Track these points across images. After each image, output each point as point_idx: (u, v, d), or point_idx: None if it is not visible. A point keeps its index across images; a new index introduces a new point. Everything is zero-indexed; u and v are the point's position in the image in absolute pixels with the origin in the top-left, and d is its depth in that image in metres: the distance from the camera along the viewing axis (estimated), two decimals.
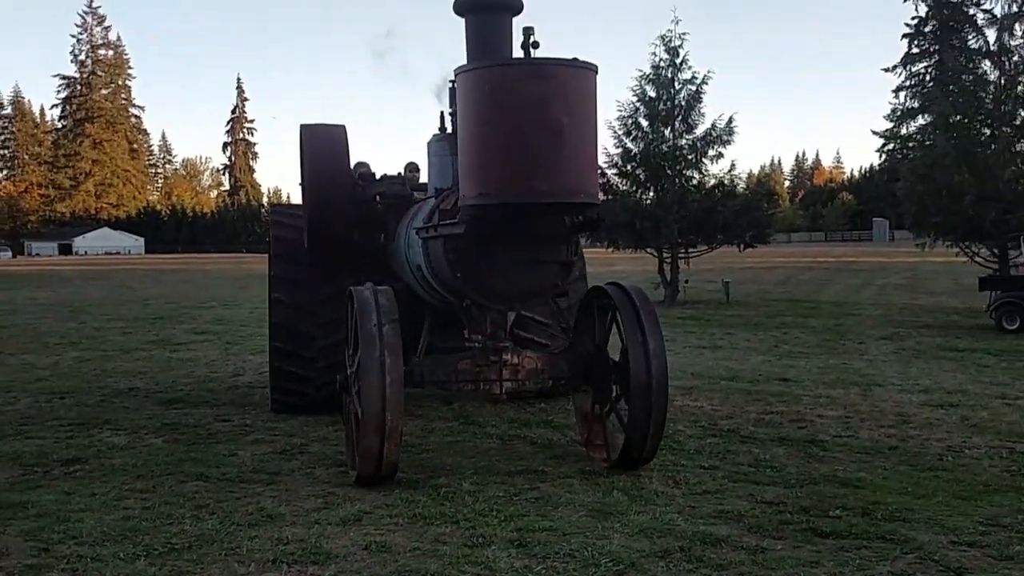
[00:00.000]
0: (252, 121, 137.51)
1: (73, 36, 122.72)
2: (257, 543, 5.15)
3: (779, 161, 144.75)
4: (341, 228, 8.39)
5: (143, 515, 5.70)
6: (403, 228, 7.73)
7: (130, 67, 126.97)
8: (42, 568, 4.82)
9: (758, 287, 29.92)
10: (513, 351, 6.68)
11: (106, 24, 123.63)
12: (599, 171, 6.96)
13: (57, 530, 5.41)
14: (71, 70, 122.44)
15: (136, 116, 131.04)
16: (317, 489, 6.29)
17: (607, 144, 24.60)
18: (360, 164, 8.96)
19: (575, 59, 6.21)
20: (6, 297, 27.37)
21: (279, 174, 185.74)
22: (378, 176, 8.89)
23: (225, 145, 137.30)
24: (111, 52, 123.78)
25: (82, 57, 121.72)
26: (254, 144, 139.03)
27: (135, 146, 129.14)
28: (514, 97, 5.80)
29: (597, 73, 6.15)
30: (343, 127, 8.53)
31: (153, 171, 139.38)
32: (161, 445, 7.75)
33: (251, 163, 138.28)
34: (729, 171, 24.71)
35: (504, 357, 6.59)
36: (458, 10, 6.82)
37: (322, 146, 8.33)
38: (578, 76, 5.99)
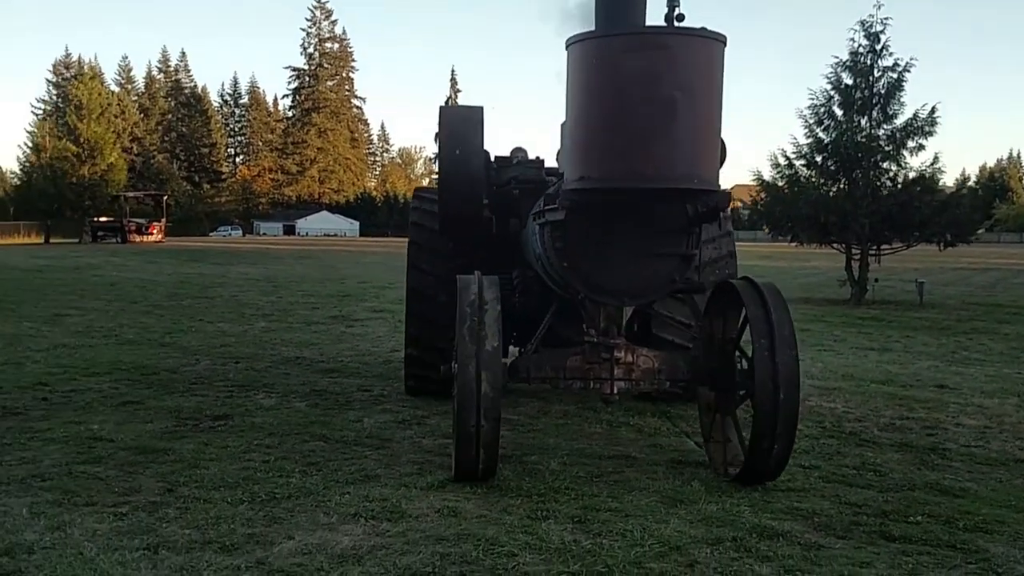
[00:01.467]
0: None
1: (303, 30, 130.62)
2: (347, 499, 5.65)
3: (1019, 154, 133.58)
4: (474, 213, 7.91)
5: (260, 467, 6.36)
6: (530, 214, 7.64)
7: (353, 60, 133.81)
8: (161, 505, 5.52)
9: (963, 289, 28.08)
10: (627, 348, 6.26)
11: (333, 18, 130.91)
12: (720, 153, 5.71)
13: (185, 475, 6.15)
14: (300, 62, 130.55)
15: (357, 107, 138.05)
16: (417, 456, 6.75)
17: (797, 134, 23.89)
18: (517, 149, 8.81)
19: (702, 28, 5.61)
20: (222, 272, 29.97)
21: None
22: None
23: (436, 135, 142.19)
24: (337, 45, 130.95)
25: (310, 50, 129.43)
26: None
27: (355, 135, 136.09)
28: (620, 70, 5.23)
29: (725, 44, 5.49)
30: (480, 108, 7.99)
31: (372, 159, 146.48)
32: (302, 408, 8.49)
33: None
34: (932, 164, 23.34)
35: (616, 355, 6.19)
36: None
37: (456, 128, 7.83)
38: (696, 47, 5.33)
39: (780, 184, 24.16)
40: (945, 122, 23.45)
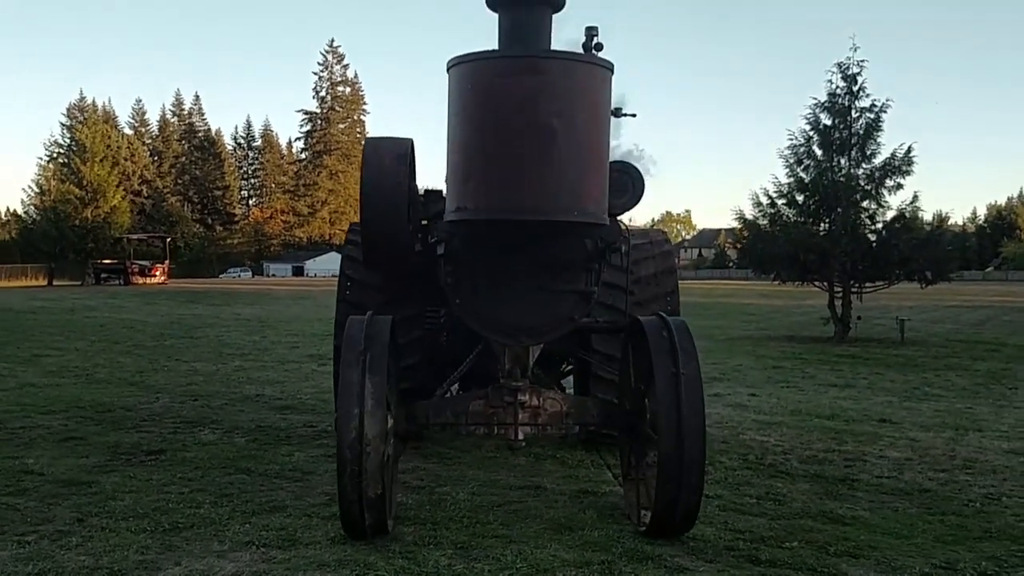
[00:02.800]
0: None
1: (315, 74, 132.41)
2: (246, 528, 5.86)
3: None
4: (397, 247, 7.08)
5: (175, 499, 6.58)
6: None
7: (364, 103, 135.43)
8: (66, 534, 5.74)
9: (949, 327, 28.10)
10: (533, 391, 5.97)
11: (345, 62, 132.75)
12: (602, 185, 5.50)
13: (99, 506, 6.38)
14: (312, 106, 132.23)
15: None
16: (332, 488, 6.82)
17: (778, 173, 24.19)
18: None
19: (590, 52, 5.53)
20: (215, 312, 30.34)
21: None
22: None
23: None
24: (348, 89, 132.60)
25: (323, 93, 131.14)
26: None
27: None
28: (497, 95, 5.02)
29: (611, 71, 5.37)
30: (408, 141, 7.39)
31: None
32: (241, 443, 8.72)
33: None
34: (911, 202, 23.57)
35: (521, 398, 5.88)
36: (491, 4, 5.78)
37: (379, 161, 7.16)
38: (578, 73, 5.14)
39: (762, 223, 24.40)
40: (957, 160, 23.67)
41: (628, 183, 6.58)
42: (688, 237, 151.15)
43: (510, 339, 5.89)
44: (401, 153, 7.12)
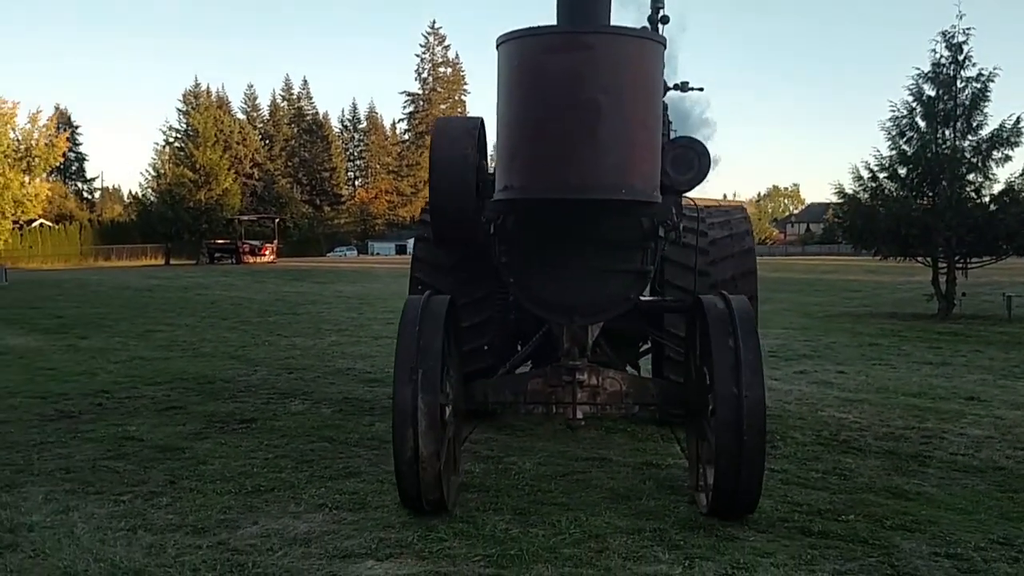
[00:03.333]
0: None
1: (417, 56, 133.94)
2: (322, 492, 6.23)
3: None
4: (466, 226, 7.08)
5: (260, 464, 7.02)
6: None
7: (465, 83, 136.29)
8: (158, 494, 6.21)
9: None
10: (592, 370, 5.93)
11: (446, 43, 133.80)
12: (653, 162, 5.40)
13: (191, 470, 6.86)
14: (415, 87, 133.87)
15: None
16: None
17: (880, 146, 23.52)
18: None
19: (655, 24, 5.66)
20: (319, 290, 31.31)
21: None
22: None
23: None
24: (450, 70, 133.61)
25: (424, 75, 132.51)
26: None
27: None
28: (542, 72, 4.99)
29: (664, 46, 5.34)
30: (478, 119, 7.42)
31: None
32: (327, 414, 9.15)
33: None
34: (1021, 175, 22.60)
35: (579, 377, 5.86)
36: None
37: (446, 142, 7.21)
38: (626, 47, 5.08)
39: (863, 197, 23.78)
40: None
41: (693, 159, 6.42)
42: (796, 212, 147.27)
43: (564, 318, 5.89)
44: (470, 130, 7.21)
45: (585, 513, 5.71)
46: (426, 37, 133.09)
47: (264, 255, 57.88)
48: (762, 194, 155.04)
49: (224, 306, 24.09)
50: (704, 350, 5.68)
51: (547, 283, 5.82)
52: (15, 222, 63.92)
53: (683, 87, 6.91)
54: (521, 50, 5.12)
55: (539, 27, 5.18)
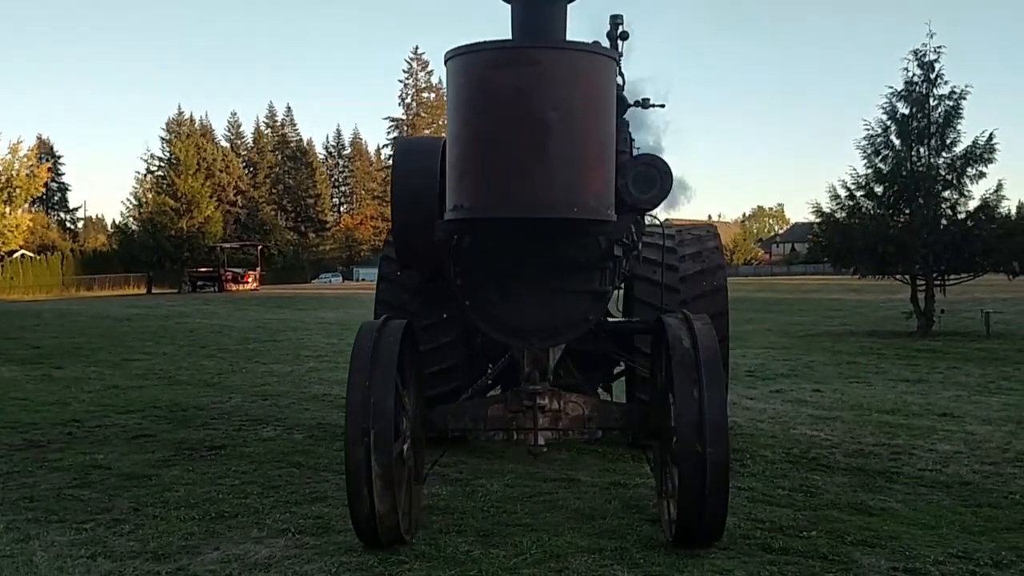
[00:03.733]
0: None
1: (400, 81, 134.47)
2: (286, 516, 6.21)
3: None
4: (431, 251, 6.65)
5: (226, 490, 6.98)
6: None
7: None
8: (121, 522, 6.17)
9: None
10: (553, 394, 5.72)
11: (429, 69, 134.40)
12: (606, 180, 5.28)
13: (156, 496, 6.82)
14: (398, 112, 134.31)
15: None
16: None
17: (856, 164, 23.74)
18: None
19: (615, 41, 5.60)
20: (301, 317, 31.22)
21: None
22: None
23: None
24: (433, 95, 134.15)
25: (408, 100, 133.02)
26: None
27: None
28: (490, 89, 4.86)
29: (616, 61, 5.34)
30: (440, 140, 6.92)
31: None
32: (298, 439, 9.12)
33: None
34: (995, 191, 22.85)
35: (540, 402, 5.63)
36: None
37: (407, 162, 7.04)
38: (576, 62, 4.96)
39: (839, 216, 23.96)
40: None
41: (655, 177, 6.29)
42: (781, 232, 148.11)
43: (521, 341, 5.74)
44: (433, 150, 6.91)
45: (548, 534, 5.70)
46: (409, 63, 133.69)
47: (247, 283, 57.79)
48: (747, 214, 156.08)
49: (204, 334, 23.99)
50: (668, 387, 5.42)
51: (502, 305, 5.70)
52: None
53: (644, 104, 6.91)
54: (468, 66, 5.01)
55: (486, 42, 5.05)
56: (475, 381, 7.31)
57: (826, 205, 24.11)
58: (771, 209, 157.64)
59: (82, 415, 10.72)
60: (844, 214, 23.89)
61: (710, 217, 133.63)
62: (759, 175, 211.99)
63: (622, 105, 6.79)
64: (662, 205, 6.23)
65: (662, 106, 6.90)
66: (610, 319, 7.40)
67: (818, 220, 24.64)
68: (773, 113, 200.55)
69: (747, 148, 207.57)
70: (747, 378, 13.97)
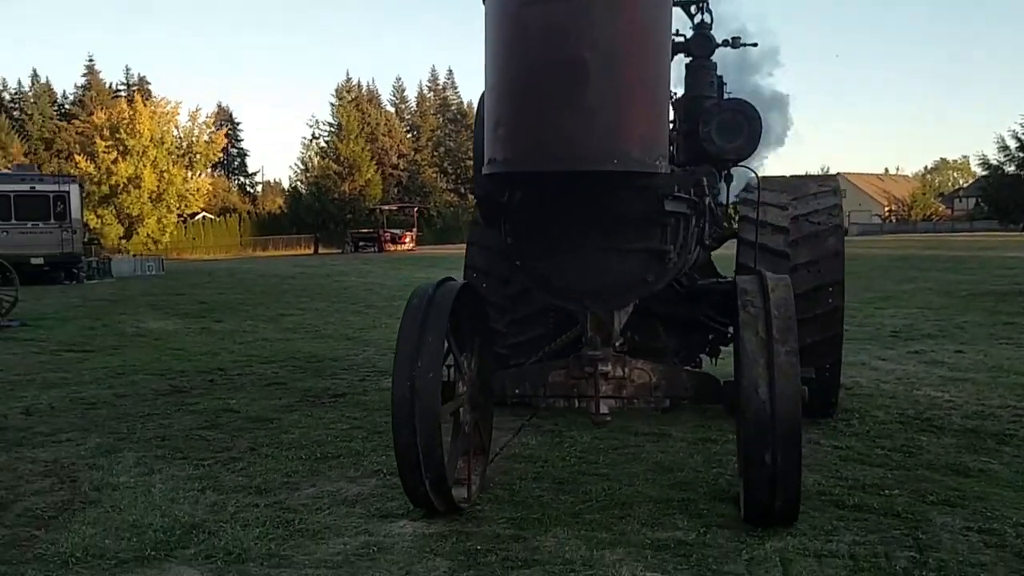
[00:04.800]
0: None
1: None
2: (383, 459, 6.57)
3: None
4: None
5: (335, 434, 7.45)
6: None
7: None
8: (237, 460, 6.71)
9: None
10: (617, 361, 5.30)
11: None
12: (656, 127, 4.58)
13: (273, 438, 7.36)
14: None
15: None
16: None
17: None
18: None
19: None
20: (450, 273, 31.99)
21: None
22: None
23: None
24: None
25: None
26: None
27: None
28: (522, 27, 4.36)
29: None
30: None
31: None
32: None
33: None
34: None
35: (602, 368, 5.23)
36: None
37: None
38: None
39: (1008, 168, 22.53)
40: None
41: (742, 124, 6.05)
42: (965, 185, 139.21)
43: (574, 304, 5.39)
44: None
45: (621, 483, 5.84)
46: None
47: (404, 243, 59.59)
48: (928, 167, 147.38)
49: (356, 292, 25.06)
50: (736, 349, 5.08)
51: (551, 266, 5.26)
52: (179, 215, 68.31)
53: (734, 43, 6.76)
54: (501, 2, 4.52)
55: None
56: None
57: (993, 157, 22.73)
58: (955, 162, 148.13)
59: (228, 364, 11.56)
60: (1013, 167, 22.44)
61: (887, 170, 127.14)
62: (941, 126, 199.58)
63: (708, 45, 6.68)
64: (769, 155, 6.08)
65: (755, 44, 6.73)
66: (700, 281, 7.07)
67: (984, 173, 23.25)
68: (959, 59, 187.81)
69: (926, 95, 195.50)
70: (889, 338, 13.47)
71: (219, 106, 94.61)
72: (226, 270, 37.57)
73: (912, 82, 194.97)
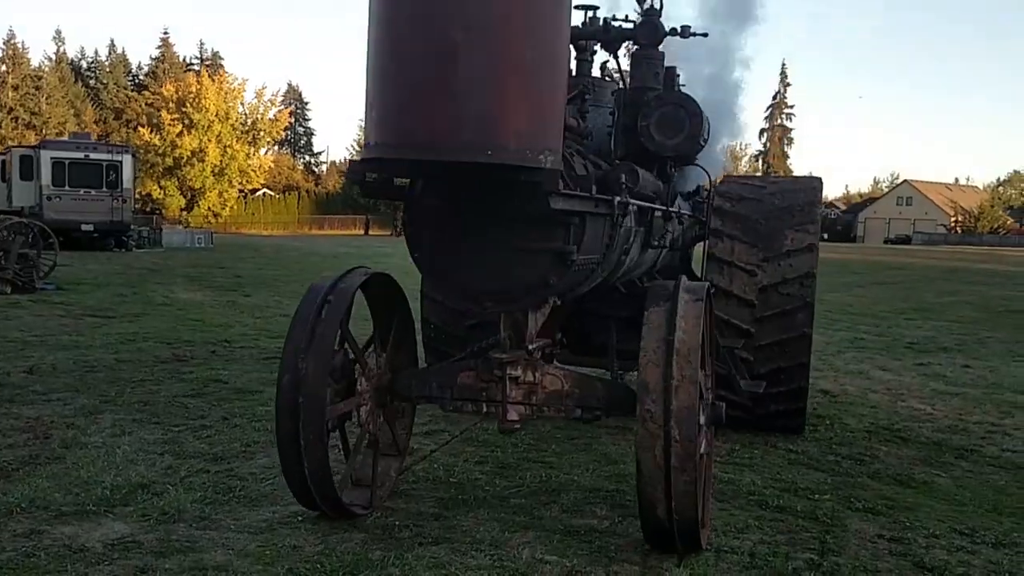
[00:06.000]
0: (792, 107, 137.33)
1: None
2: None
3: None
4: None
5: None
6: None
7: None
8: (207, 427, 7.00)
9: None
10: (527, 365, 4.93)
11: None
12: (542, 118, 4.04)
13: (248, 410, 7.63)
14: None
15: None
16: None
17: None
18: None
19: None
20: None
21: (814, 163, 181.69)
22: None
23: (762, 131, 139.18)
24: None
25: None
26: (790, 130, 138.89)
27: None
28: (395, 7, 4.04)
29: None
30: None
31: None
32: None
33: (785, 149, 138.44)
34: None
35: (511, 372, 4.87)
36: None
37: None
38: None
39: None
40: None
41: (683, 119, 5.87)
42: None
43: (474, 304, 5.00)
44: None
45: (559, 471, 6.00)
46: None
47: None
48: (1000, 179, 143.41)
49: (394, 274, 25.36)
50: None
51: (450, 263, 4.79)
52: (240, 190, 69.65)
53: (683, 33, 6.44)
54: None
55: None
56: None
57: None
58: None
59: (236, 337, 11.92)
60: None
61: (956, 180, 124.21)
62: (1018, 138, 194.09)
63: (656, 33, 6.37)
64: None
65: (705, 35, 6.62)
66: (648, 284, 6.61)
67: None
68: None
69: (1002, 104, 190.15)
70: (902, 350, 13.35)
71: (289, 85, 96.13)
72: (273, 246, 38.35)
73: (988, 91, 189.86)
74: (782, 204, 7.24)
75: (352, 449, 5.32)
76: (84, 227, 28.17)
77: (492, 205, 4.57)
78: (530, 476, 5.86)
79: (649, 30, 6.42)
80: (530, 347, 4.93)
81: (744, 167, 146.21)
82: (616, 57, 6.65)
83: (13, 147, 33.04)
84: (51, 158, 28.46)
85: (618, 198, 4.67)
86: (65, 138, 38.18)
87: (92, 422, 7.02)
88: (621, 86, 6.59)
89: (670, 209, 6.11)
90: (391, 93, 4.03)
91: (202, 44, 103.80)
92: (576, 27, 6.26)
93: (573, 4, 4.34)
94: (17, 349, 10.27)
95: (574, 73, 6.25)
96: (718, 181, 7.81)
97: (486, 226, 4.63)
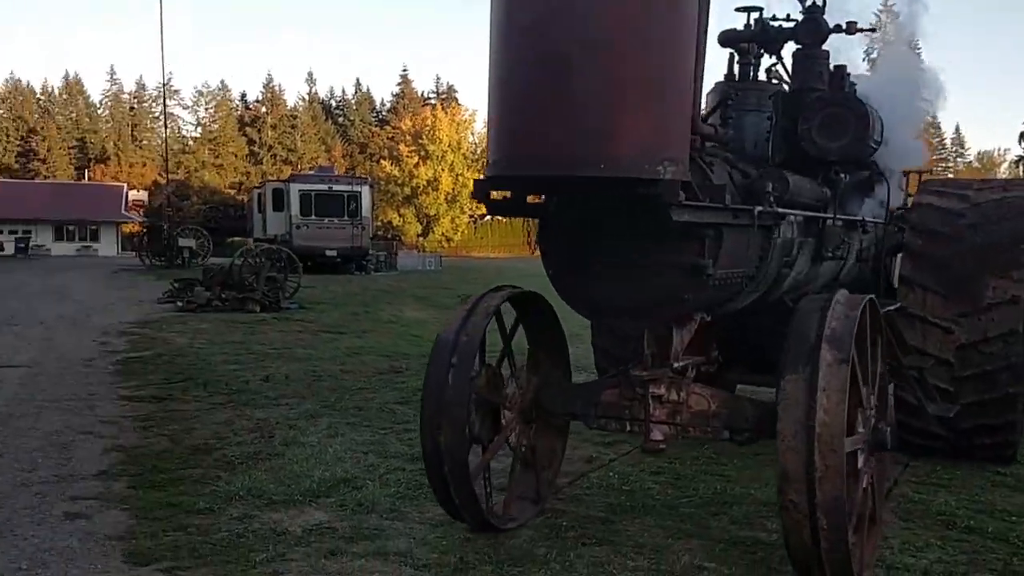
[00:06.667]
0: None
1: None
2: None
3: None
4: None
5: None
6: None
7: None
8: (408, 432, 7.47)
9: None
10: (672, 384, 4.80)
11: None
12: (660, 131, 3.92)
13: None
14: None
15: None
16: None
17: None
18: None
19: None
20: None
21: None
22: None
23: (1021, 135, 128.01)
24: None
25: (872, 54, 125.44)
26: None
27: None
28: (510, 20, 4.00)
29: None
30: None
31: (943, 165, 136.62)
32: None
33: None
34: None
35: (655, 391, 4.76)
36: None
37: None
38: None
39: None
40: None
41: (849, 121, 5.62)
42: None
43: (609, 319, 5.00)
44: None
45: (736, 484, 6.05)
46: (877, 15, 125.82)
47: None
48: None
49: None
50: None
51: (581, 278, 4.75)
52: (471, 216, 72.49)
53: (850, 28, 6.10)
54: None
55: None
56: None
57: None
58: None
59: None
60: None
61: None
62: None
63: (819, 31, 6.11)
64: None
65: (872, 30, 6.28)
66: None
67: None
68: None
69: None
70: None
71: None
72: (495, 268, 39.57)
73: None
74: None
75: (510, 470, 5.46)
76: (328, 252, 30.46)
77: (618, 219, 4.49)
78: (704, 487, 5.92)
79: (810, 28, 6.16)
80: (675, 364, 4.76)
81: (1004, 172, 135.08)
82: (780, 58, 6.50)
83: (267, 181, 36.30)
84: (299, 191, 31.06)
85: (759, 208, 4.51)
86: (310, 172, 41.42)
87: (311, 424, 7.75)
88: (782, 89, 6.45)
89: (849, 217, 5.87)
90: (507, 110, 4.08)
91: (438, 78, 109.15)
92: (733, 30, 6.24)
93: (709, 7, 4.21)
94: (258, 360, 11.40)
95: (735, 78, 6.17)
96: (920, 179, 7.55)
97: (614, 241, 4.55)
